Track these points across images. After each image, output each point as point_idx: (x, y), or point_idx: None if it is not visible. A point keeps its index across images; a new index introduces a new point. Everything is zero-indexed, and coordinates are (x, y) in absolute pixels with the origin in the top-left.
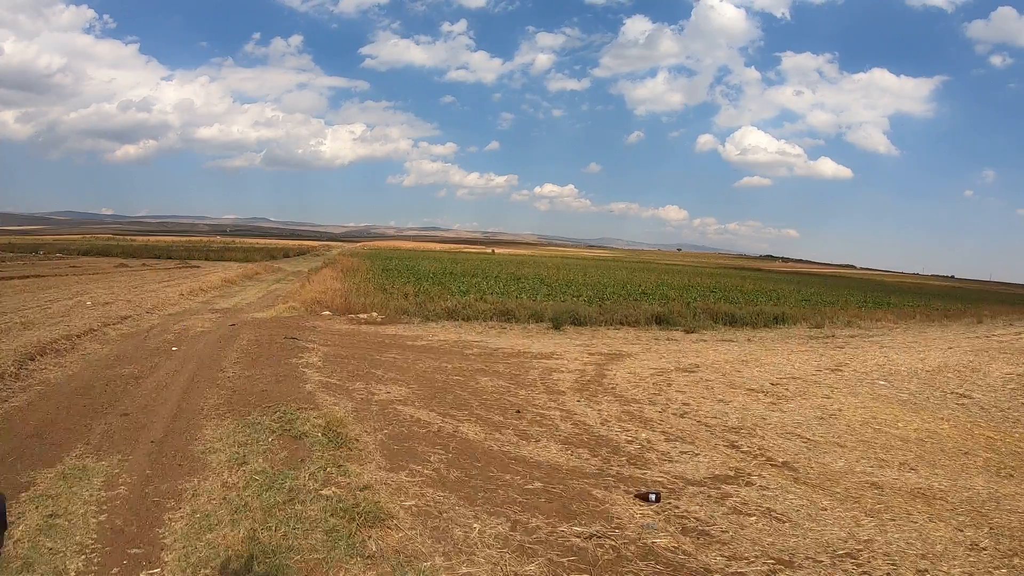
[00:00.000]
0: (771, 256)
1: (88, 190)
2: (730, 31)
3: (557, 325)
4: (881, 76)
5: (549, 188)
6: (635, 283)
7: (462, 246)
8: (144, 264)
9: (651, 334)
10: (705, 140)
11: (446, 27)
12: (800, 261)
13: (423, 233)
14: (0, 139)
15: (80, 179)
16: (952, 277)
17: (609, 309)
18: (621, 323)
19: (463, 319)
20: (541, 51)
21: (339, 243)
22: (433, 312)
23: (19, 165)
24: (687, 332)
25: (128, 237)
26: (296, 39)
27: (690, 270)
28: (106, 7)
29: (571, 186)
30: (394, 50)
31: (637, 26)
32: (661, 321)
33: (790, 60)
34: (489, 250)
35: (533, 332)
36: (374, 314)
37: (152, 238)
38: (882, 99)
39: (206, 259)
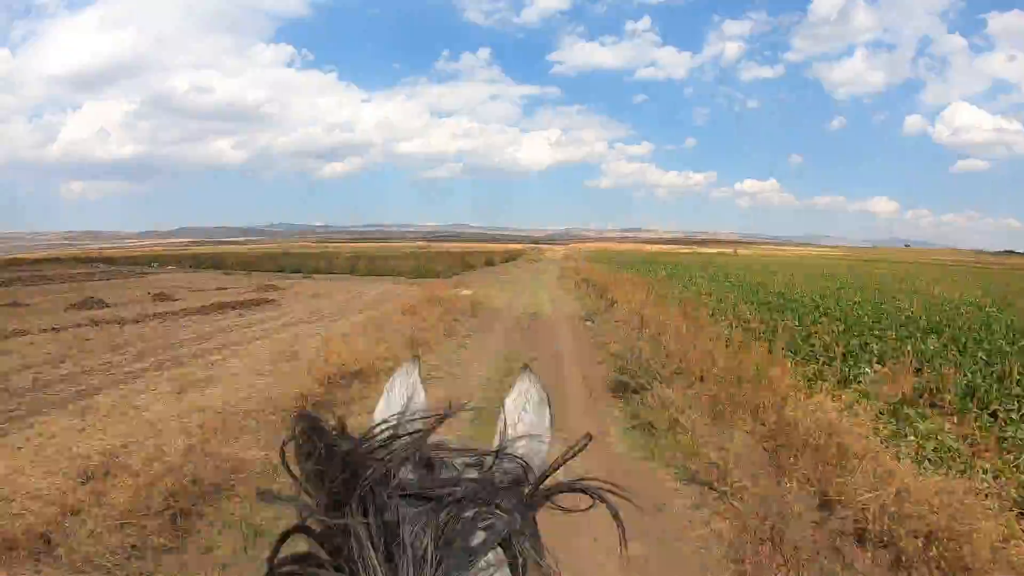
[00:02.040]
0: (1012, 251)
1: (299, 204)
2: None
3: None
4: None
5: (750, 184)
6: None
7: (673, 246)
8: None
9: None
10: (912, 121)
11: (630, 25)
12: None
13: (625, 235)
14: (220, 164)
15: (292, 195)
16: None
17: None
18: None
19: None
20: (729, 39)
21: (547, 245)
22: None
23: (236, 185)
24: None
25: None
26: (484, 52)
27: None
28: (303, 42)
29: (773, 180)
30: (580, 54)
31: (826, 1)
32: None
33: (997, 21)
34: (731, 250)
35: None
36: None
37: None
38: None
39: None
